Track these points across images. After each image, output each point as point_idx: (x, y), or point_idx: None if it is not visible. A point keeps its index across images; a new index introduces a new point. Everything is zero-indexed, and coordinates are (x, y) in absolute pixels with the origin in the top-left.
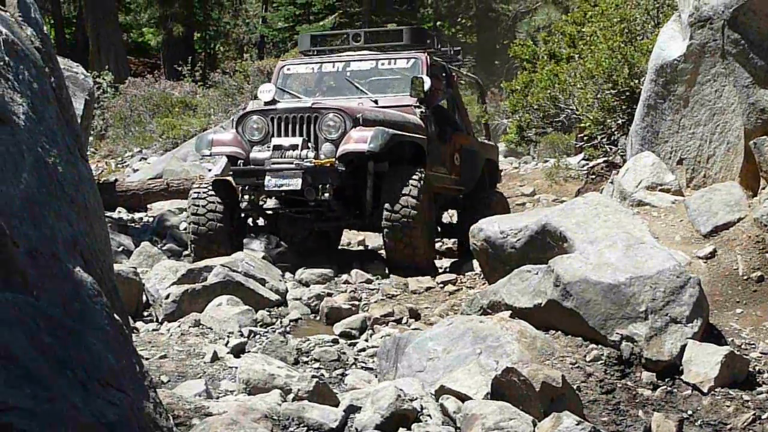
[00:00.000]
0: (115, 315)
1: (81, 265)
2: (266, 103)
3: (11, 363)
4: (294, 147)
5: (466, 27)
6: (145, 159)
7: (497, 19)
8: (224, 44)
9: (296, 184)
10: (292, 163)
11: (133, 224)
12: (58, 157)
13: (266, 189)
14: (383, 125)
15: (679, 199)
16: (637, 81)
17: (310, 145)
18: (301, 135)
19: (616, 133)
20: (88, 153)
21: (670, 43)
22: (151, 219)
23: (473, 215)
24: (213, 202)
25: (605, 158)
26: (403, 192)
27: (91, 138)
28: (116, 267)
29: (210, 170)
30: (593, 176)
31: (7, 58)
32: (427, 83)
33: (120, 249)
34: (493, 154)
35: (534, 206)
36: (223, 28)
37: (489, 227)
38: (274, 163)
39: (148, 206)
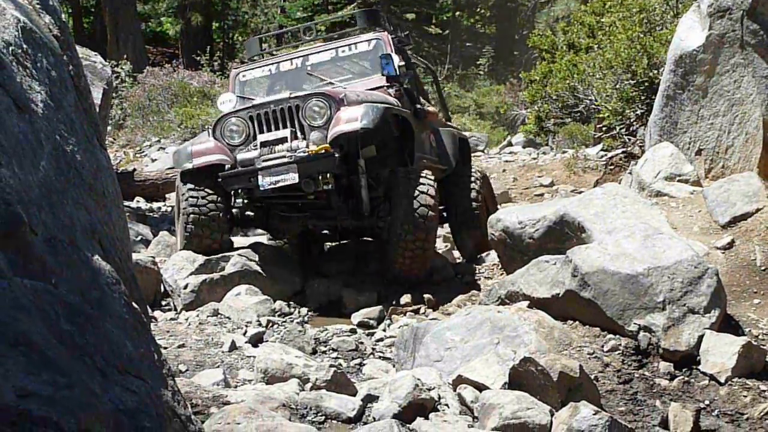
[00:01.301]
0: (134, 303)
1: (99, 253)
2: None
3: (29, 349)
4: (282, 140)
5: (485, 17)
6: (164, 149)
7: (516, 10)
8: (243, 34)
9: (293, 177)
10: (284, 157)
11: (151, 214)
12: (76, 145)
13: (261, 188)
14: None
15: (698, 190)
16: (656, 71)
17: (299, 135)
18: (285, 127)
19: (634, 123)
20: (107, 142)
21: (689, 33)
22: (169, 209)
23: (457, 196)
24: (209, 193)
25: (624, 149)
26: (416, 201)
27: (109, 127)
28: (134, 256)
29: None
30: (612, 167)
31: (25, 46)
32: (396, 59)
33: (138, 238)
34: (462, 135)
35: (552, 197)
36: (241, 18)
37: (507, 217)
38: (264, 161)
39: (166, 196)
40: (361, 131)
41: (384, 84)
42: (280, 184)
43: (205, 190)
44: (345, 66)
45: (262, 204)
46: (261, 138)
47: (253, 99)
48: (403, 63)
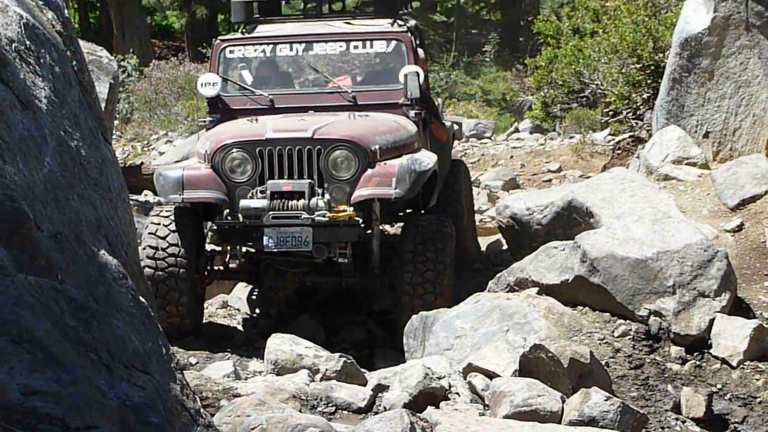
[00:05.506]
0: (141, 298)
1: (106, 248)
2: (209, 100)
3: (35, 347)
4: (299, 195)
5: (489, 4)
6: (171, 142)
7: None
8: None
9: (306, 244)
10: (299, 217)
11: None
12: (80, 140)
13: (265, 248)
14: (395, 149)
15: (706, 173)
16: (661, 55)
17: (317, 190)
18: (302, 176)
19: (641, 107)
20: (114, 137)
21: (694, 16)
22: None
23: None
24: (176, 239)
25: (631, 133)
26: (429, 259)
27: (116, 122)
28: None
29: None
30: (619, 151)
31: (28, 42)
32: (421, 76)
33: None
34: (450, 127)
35: (560, 182)
36: None
37: (515, 204)
38: (274, 218)
39: None
40: (394, 200)
41: (403, 102)
42: (289, 249)
43: (170, 231)
44: (356, 63)
45: (253, 256)
46: (272, 185)
47: (239, 85)
48: (423, 70)
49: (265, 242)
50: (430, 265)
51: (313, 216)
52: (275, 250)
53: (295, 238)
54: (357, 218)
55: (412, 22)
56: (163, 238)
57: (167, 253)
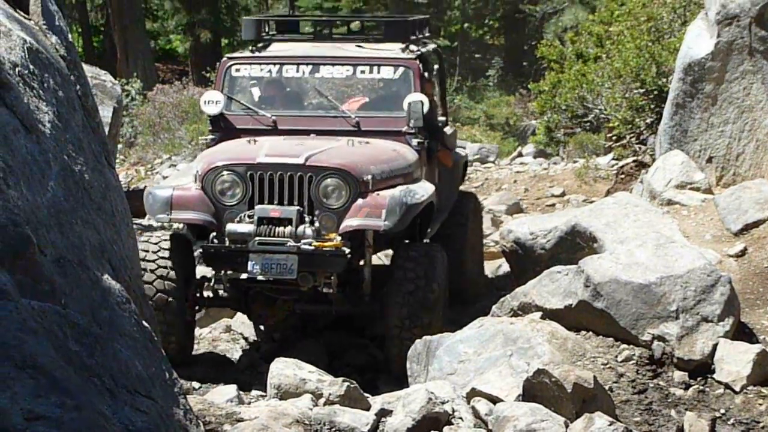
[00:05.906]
0: (144, 322)
1: (109, 273)
2: (212, 118)
3: (38, 372)
4: (286, 222)
5: (493, 29)
6: (175, 166)
7: (524, 21)
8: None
9: (290, 272)
10: (285, 244)
11: None
12: (84, 164)
13: (249, 274)
14: (391, 179)
15: (709, 198)
16: (665, 80)
17: (306, 218)
18: (292, 202)
19: (645, 132)
20: (118, 161)
21: (698, 41)
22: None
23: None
24: (165, 266)
25: (634, 158)
26: (419, 288)
27: (120, 146)
28: None
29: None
30: (623, 176)
31: (32, 67)
32: (426, 105)
33: None
34: (462, 156)
35: (564, 207)
36: None
37: (518, 228)
38: (260, 243)
39: None
40: (382, 232)
41: (406, 131)
42: (274, 276)
43: (158, 262)
44: (359, 87)
45: (241, 282)
46: (260, 210)
47: (243, 104)
48: (428, 96)
49: (249, 268)
50: (417, 321)
51: (299, 244)
52: (259, 277)
53: (280, 265)
54: (344, 248)
55: (431, 46)
56: (153, 265)
57: (155, 287)
